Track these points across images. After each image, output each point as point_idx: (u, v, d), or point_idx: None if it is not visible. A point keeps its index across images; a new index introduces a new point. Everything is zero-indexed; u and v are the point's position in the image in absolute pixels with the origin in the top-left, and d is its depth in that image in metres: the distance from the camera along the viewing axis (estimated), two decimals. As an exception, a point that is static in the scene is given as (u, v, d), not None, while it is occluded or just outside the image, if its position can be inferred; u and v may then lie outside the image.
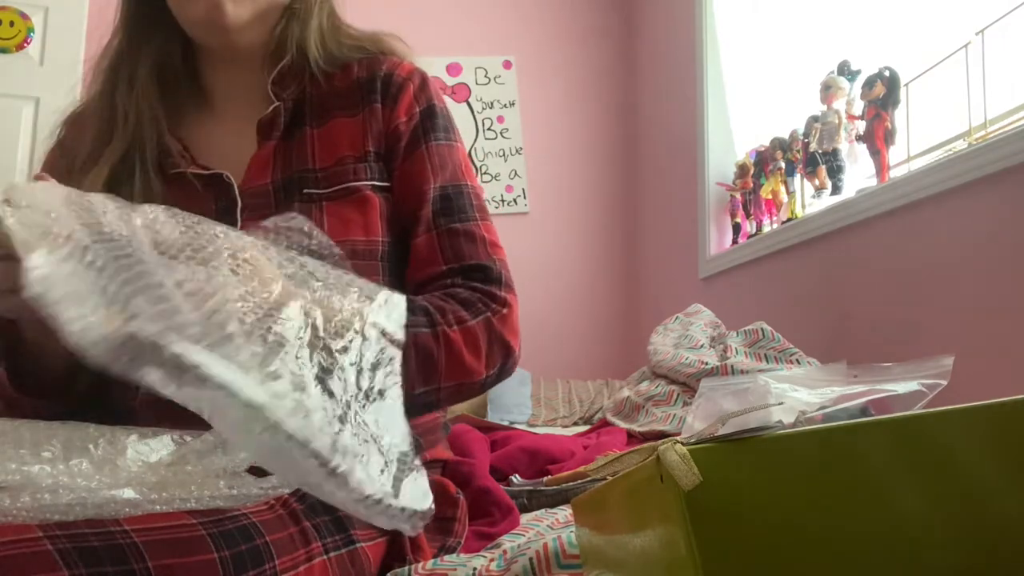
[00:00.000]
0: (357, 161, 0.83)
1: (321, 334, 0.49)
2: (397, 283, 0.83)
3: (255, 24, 0.83)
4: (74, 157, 0.84)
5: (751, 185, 2.24)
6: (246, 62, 0.87)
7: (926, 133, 1.61)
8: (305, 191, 0.81)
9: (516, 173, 3.22)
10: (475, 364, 0.77)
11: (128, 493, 0.54)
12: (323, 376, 0.47)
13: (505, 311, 0.80)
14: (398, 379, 0.55)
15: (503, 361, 0.80)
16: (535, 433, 1.68)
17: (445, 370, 0.75)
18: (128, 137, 0.82)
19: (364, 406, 0.49)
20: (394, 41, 0.93)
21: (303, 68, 0.87)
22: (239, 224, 0.78)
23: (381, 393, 0.52)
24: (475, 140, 3.21)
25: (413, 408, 0.72)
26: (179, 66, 0.88)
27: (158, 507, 0.56)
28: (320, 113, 0.86)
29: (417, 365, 0.72)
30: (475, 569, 0.67)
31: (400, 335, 0.56)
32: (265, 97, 0.86)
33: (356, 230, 0.80)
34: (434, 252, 0.81)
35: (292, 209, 0.78)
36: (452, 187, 0.84)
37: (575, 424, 2.33)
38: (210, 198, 0.81)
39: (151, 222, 0.49)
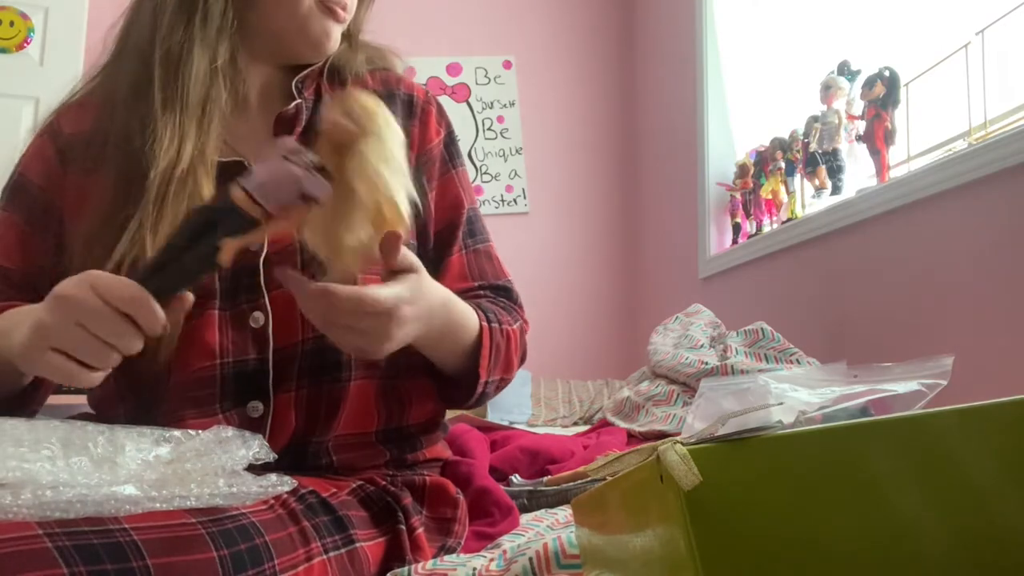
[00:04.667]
0: None
1: None
2: None
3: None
4: (85, 148, 0.83)
5: (751, 185, 2.24)
6: (284, 70, 0.90)
7: (926, 133, 1.61)
8: None
9: (516, 173, 3.22)
10: (515, 363, 0.90)
11: (128, 490, 0.55)
12: None
13: (526, 326, 0.94)
14: None
15: (518, 367, 0.92)
16: (535, 433, 1.68)
17: (502, 363, 0.87)
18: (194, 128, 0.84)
19: None
20: (394, 58, 0.98)
21: (322, 71, 0.90)
22: None
23: None
24: (475, 140, 3.21)
25: (482, 396, 0.86)
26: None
27: (158, 504, 0.56)
28: None
29: (493, 356, 0.84)
30: (475, 569, 0.67)
31: None
32: (284, 94, 0.88)
33: None
34: (464, 270, 0.93)
35: None
36: (472, 210, 0.96)
37: (575, 424, 2.33)
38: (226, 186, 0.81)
39: None
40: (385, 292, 0.67)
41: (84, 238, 0.78)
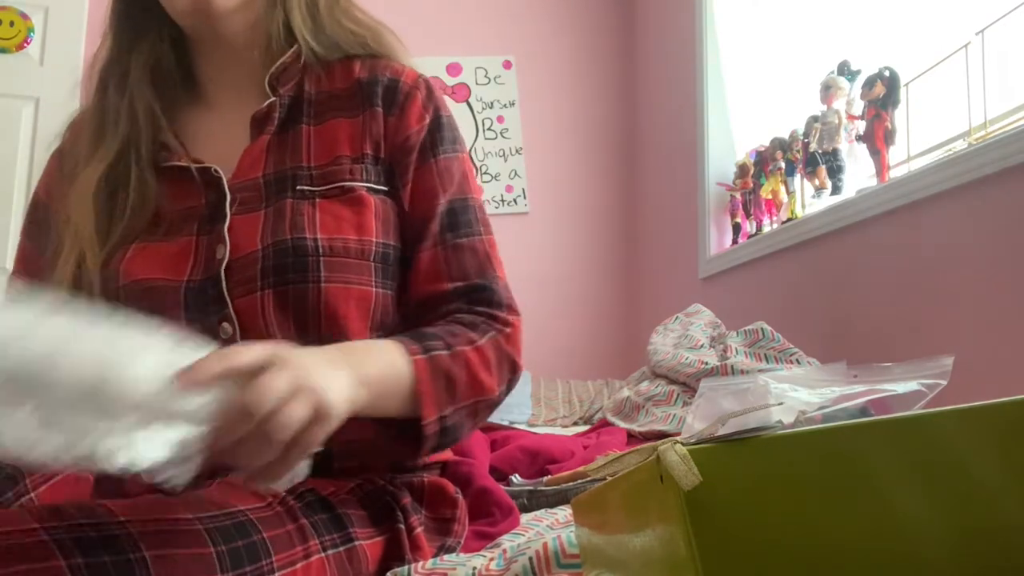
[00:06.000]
0: (354, 162, 0.82)
1: None
2: (393, 286, 0.82)
3: (241, 8, 0.83)
4: (74, 162, 0.84)
5: (751, 185, 2.24)
6: (240, 55, 0.86)
7: (926, 133, 1.61)
8: (298, 187, 0.80)
9: (516, 173, 3.22)
10: (489, 381, 0.78)
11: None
12: None
13: (509, 330, 0.82)
14: None
15: (510, 377, 0.82)
16: (535, 433, 1.68)
17: (464, 389, 0.76)
18: (121, 136, 0.82)
19: None
20: (394, 40, 0.92)
21: (301, 63, 0.86)
22: (228, 218, 0.78)
23: None
24: (475, 140, 3.20)
25: (443, 433, 0.74)
26: (172, 65, 0.88)
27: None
28: (318, 111, 0.85)
29: (443, 386, 0.74)
30: (475, 568, 0.67)
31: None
32: (262, 92, 0.85)
33: (348, 229, 0.79)
34: (439, 267, 0.82)
35: (284, 204, 0.78)
36: (459, 201, 0.85)
37: (575, 424, 2.33)
38: (200, 192, 0.80)
39: None
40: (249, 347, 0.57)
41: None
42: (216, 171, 0.80)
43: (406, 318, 0.84)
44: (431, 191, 0.84)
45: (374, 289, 0.79)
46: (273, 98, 0.84)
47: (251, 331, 0.75)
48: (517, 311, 0.85)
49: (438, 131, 0.86)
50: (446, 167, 0.85)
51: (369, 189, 0.82)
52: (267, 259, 0.76)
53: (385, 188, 0.83)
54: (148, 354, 0.52)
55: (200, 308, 0.75)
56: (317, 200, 0.79)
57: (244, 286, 0.76)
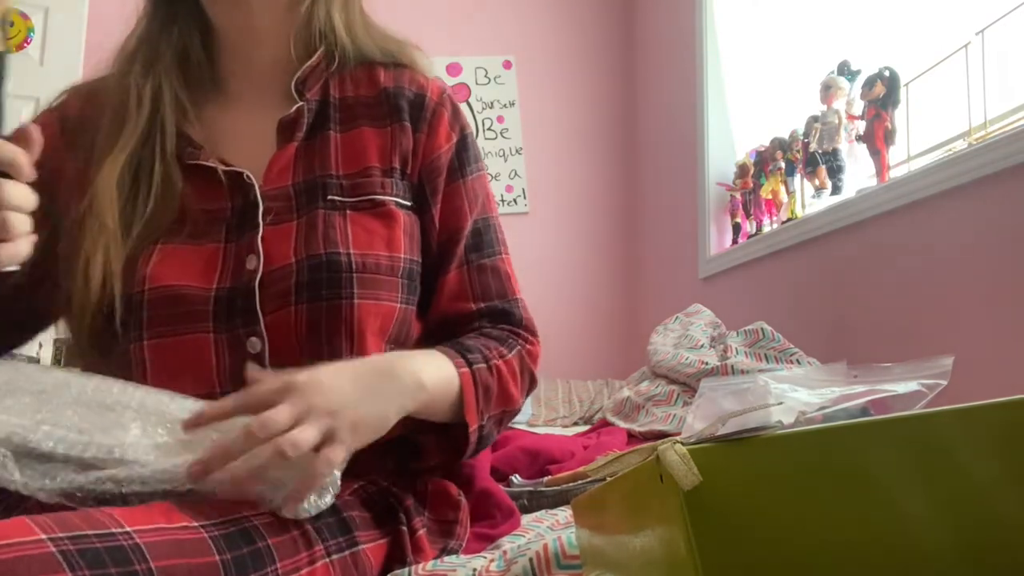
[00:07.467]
0: (384, 175, 0.82)
1: None
2: (414, 301, 0.83)
3: (277, 3, 0.82)
4: (90, 137, 0.81)
5: (751, 185, 2.24)
6: (268, 52, 0.85)
7: (926, 133, 1.61)
8: (329, 197, 0.79)
9: (516, 173, 3.22)
10: (516, 393, 0.83)
11: (134, 432, 0.62)
12: None
13: (530, 347, 0.87)
14: None
15: (529, 388, 0.87)
16: (535, 433, 1.68)
17: (496, 399, 0.81)
18: (144, 122, 0.80)
19: None
20: (417, 53, 0.91)
21: (328, 67, 0.85)
22: (261, 229, 0.76)
23: None
24: (475, 140, 3.21)
25: (480, 441, 0.79)
26: (200, 56, 0.86)
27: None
28: (344, 118, 0.84)
29: (482, 398, 0.79)
30: (475, 570, 0.67)
31: None
32: (287, 95, 0.83)
33: (379, 244, 0.78)
34: (464, 288, 0.85)
35: (316, 214, 0.77)
36: (482, 221, 0.88)
37: (575, 424, 2.34)
38: (225, 195, 0.79)
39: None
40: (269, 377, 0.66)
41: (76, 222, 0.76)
42: (248, 177, 0.78)
43: (426, 333, 0.85)
44: (459, 212, 0.86)
45: (398, 305, 0.79)
46: (301, 102, 0.82)
47: (280, 346, 0.74)
48: (536, 332, 0.89)
49: (465, 151, 0.88)
50: (473, 188, 0.88)
51: (398, 204, 0.82)
52: (301, 274, 0.74)
53: (410, 204, 0.84)
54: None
55: (228, 320, 0.73)
56: (348, 212, 0.79)
57: (277, 300, 0.74)
